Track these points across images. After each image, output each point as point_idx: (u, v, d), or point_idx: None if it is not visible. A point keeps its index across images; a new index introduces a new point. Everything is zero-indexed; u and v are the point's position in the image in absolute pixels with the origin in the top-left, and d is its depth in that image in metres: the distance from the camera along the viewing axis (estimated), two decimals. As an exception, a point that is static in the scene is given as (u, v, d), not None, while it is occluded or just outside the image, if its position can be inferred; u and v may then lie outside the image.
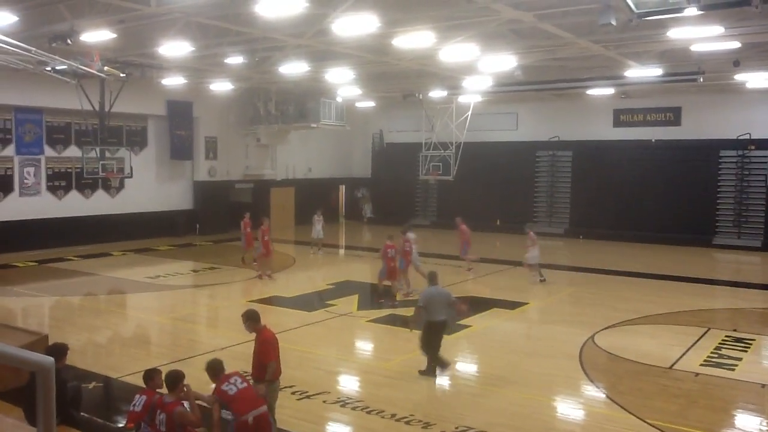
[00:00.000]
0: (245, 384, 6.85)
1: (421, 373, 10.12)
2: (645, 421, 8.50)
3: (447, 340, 12.39)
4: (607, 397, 9.54)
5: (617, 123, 28.04)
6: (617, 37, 15.39)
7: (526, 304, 15.58)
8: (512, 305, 15.38)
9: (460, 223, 19.68)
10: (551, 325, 13.73)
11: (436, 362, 10.11)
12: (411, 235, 17.33)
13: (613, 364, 11.20)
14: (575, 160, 29.09)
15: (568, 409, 9.29)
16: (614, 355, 11.55)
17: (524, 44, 16.48)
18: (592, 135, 28.26)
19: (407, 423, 8.35)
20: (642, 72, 19.26)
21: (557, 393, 9.80)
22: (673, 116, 26.93)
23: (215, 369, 6.94)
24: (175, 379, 6.75)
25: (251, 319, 7.75)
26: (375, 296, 16.29)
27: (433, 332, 10.14)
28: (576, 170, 29.07)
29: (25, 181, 22.83)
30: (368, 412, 8.73)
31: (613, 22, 11.48)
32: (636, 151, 27.27)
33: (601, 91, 24.30)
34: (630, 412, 8.81)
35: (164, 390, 6.91)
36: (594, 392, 9.82)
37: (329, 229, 18.38)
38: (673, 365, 10.93)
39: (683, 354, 11.55)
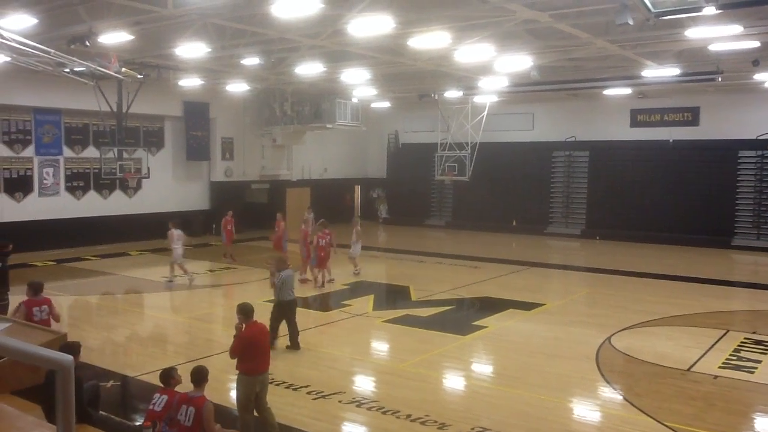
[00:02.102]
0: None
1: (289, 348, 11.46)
2: (662, 424, 8.43)
3: (463, 342, 12.41)
4: (624, 399, 9.47)
5: (634, 123, 27.82)
6: (634, 37, 15.28)
7: (543, 305, 15.51)
8: (528, 306, 15.31)
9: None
10: (567, 326, 13.66)
11: (276, 336, 11.35)
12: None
13: (630, 366, 11.12)
14: (592, 160, 28.92)
15: (584, 410, 9.23)
16: (631, 356, 11.47)
17: (540, 44, 16.42)
18: (608, 135, 28.08)
19: (422, 423, 8.34)
20: (659, 72, 19.12)
21: (573, 394, 9.75)
22: (692, 116, 26.67)
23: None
24: (202, 374, 6.80)
25: (242, 313, 7.87)
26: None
27: (285, 309, 11.46)
28: (592, 170, 28.90)
29: (45, 181, 23.08)
30: (384, 413, 8.73)
31: (630, 22, 11.39)
32: (653, 152, 27.06)
33: (618, 91, 24.14)
34: (647, 414, 8.74)
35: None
36: (611, 394, 9.75)
37: (344, 230, 18.43)
38: (691, 367, 10.83)
39: (701, 356, 11.44)
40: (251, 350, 7.71)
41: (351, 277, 18.59)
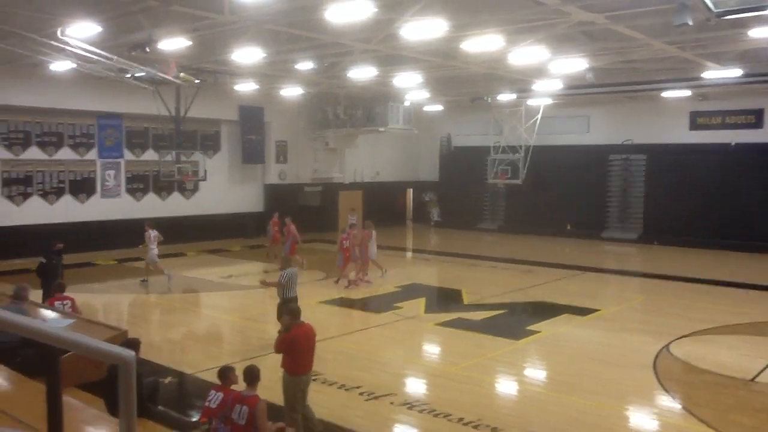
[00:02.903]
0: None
1: None
2: (723, 435, 8.18)
3: (516, 347, 12.29)
4: (683, 408, 9.22)
5: (694, 126, 27.03)
6: (694, 38, 14.87)
7: (598, 311, 15.22)
8: (583, 312, 15.05)
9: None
10: (624, 333, 13.37)
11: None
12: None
13: (689, 375, 10.81)
14: (649, 164, 28.21)
15: (640, 419, 9.02)
16: (691, 365, 11.15)
17: (596, 46, 16.14)
18: (667, 138, 27.34)
19: (474, 427, 8.29)
20: (721, 73, 18.57)
21: (629, 402, 9.54)
22: (755, 118, 25.74)
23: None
24: (254, 374, 6.93)
25: (289, 313, 8.06)
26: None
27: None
28: (650, 174, 28.19)
29: (106, 183, 23.86)
30: (435, 416, 8.71)
31: (690, 22, 11.10)
32: (714, 155, 26.20)
33: (677, 93, 23.51)
34: (707, 425, 8.48)
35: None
36: (669, 403, 9.49)
37: (396, 232, 18.48)
38: (755, 377, 10.46)
39: (766, 366, 11.02)
40: (294, 350, 7.83)
41: (403, 279, 18.60)
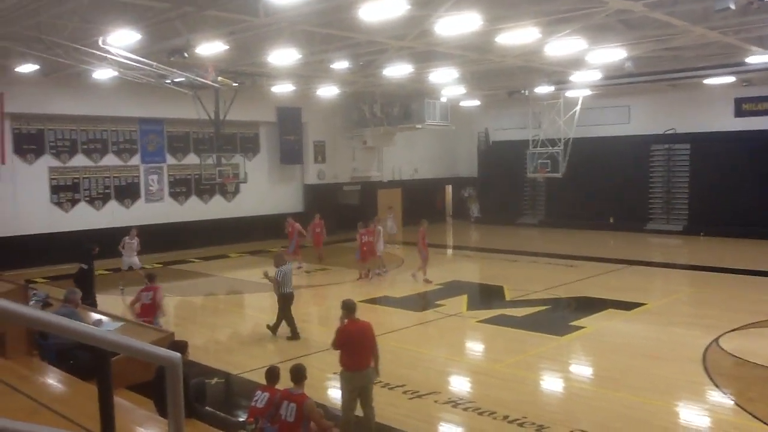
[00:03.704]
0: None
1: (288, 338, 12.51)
2: (778, 430, 7.95)
3: (560, 343, 12.14)
4: (736, 404, 8.98)
5: (739, 113, 26.32)
6: (737, 22, 14.47)
7: (644, 304, 14.93)
8: (628, 306, 14.78)
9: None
10: (671, 326, 13.10)
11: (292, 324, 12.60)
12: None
13: (741, 369, 10.53)
14: (693, 153, 27.56)
15: (690, 415, 8.82)
16: (742, 359, 10.85)
17: (634, 35, 15.83)
18: (711, 126, 26.68)
19: (520, 425, 8.22)
20: (766, 57, 18.01)
21: (679, 398, 9.34)
22: (804, 103, 24.98)
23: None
24: (300, 372, 6.99)
25: (344, 308, 8.03)
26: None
27: (284, 301, 12.58)
28: (694, 164, 27.53)
29: (150, 188, 24.34)
30: (480, 413, 8.66)
31: (732, 6, 10.83)
32: (761, 143, 25.43)
33: (721, 80, 22.88)
34: (761, 421, 8.25)
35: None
36: (720, 398, 9.26)
37: (436, 229, 18.42)
38: (809, 371, 10.14)
39: (821, 359, 10.69)
40: (349, 345, 7.83)
41: (444, 276, 18.55)
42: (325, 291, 18.10)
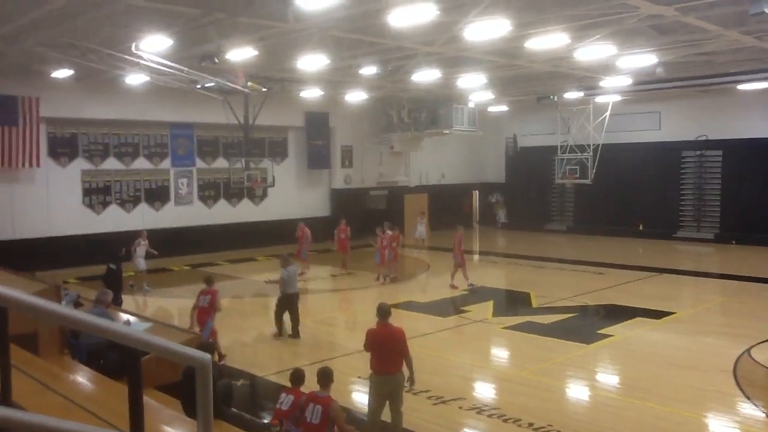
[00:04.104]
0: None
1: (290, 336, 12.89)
2: (811, 444, 7.78)
3: (587, 351, 12.03)
4: (767, 416, 8.81)
5: (773, 119, 25.84)
6: (773, 27, 14.24)
7: (673, 313, 14.73)
8: (657, 315, 14.59)
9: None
10: (701, 336, 12.90)
11: (281, 324, 13.02)
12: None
13: (773, 381, 10.34)
14: (725, 160, 27.11)
15: (720, 427, 8.68)
16: (774, 370, 10.65)
17: (666, 40, 15.64)
18: (744, 133, 26.20)
19: (545, 433, 8.16)
20: (802, 62, 17.69)
21: (708, 409, 9.19)
22: (840, 109, 24.42)
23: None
24: (327, 375, 7.02)
25: (377, 311, 8.04)
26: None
27: (289, 301, 12.86)
28: (726, 171, 27.07)
29: (179, 191, 24.65)
30: (504, 420, 8.62)
31: (767, 10, 10.65)
32: (796, 149, 24.99)
33: (755, 86, 22.50)
34: (793, 433, 8.10)
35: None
36: (751, 410, 9.08)
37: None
38: (844, 383, 9.92)
39: None
40: (377, 349, 7.86)
41: (472, 281, 18.46)
42: (350, 295, 18.16)
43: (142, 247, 17.89)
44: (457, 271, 17.89)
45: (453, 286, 17.67)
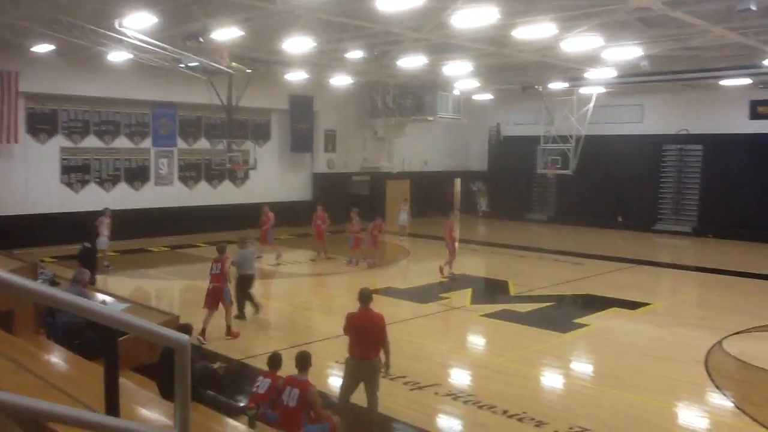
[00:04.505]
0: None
1: (236, 317, 12.77)
2: (778, 435, 7.95)
3: (563, 340, 12.17)
4: (736, 407, 8.99)
5: (754, 115, 26.10)
6: (758, 24, 14.34)
7: (649, 304, 14.93)
8: (633, 305, 14.78)
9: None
10: (675, 327, 13.09)
11: (247, 302, 13.15)
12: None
13: (744, 373, 10.54)
14: (706, 154, 27.40)
15: (691, 416, 8.84)
16: (746, 362, 10.85)
17: (652, 33, 15.72)
18: (725, 128, 26.47)
19: (519, 420, 8.26)
20: (784, 60, 17.87)
21: (680, 399, 9.35)
22: (820, 107, 24.75)
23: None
24: (305, 359, 7.04)
25: (358, 296, 8.07)
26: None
27: (244, 282, 13.00)
28: (706, 165, 27.38)
29: (160, 171, 24.42)
30: (480, 407, 8.70)
31: (753, 7, 10.74)
32: (775, 146, 25.31)
33: (737, 82, 22.73)
34: (762, 425, 8.26)
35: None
36: (721, 401, 9.27)
37: (444, 222, 18.44)
38: (813, 377, 10.12)
39: (825, 365, 10.66)
40: (356, 333, 7.91)
41: (452, 269, 18.55)
42: (328, 280, 18.16)
43: (105, 226, 17.77)
44: (454, 259, 17.64)
45: (452, 275, 17.44)
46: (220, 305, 11.99)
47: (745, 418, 8.54)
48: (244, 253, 13.08)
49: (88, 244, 14.69)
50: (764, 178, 25.31)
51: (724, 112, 26.51)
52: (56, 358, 6.38)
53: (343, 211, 21.28)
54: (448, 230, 17.75)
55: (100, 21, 14.95)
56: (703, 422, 8.64)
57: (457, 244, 18.32)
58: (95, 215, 17.98)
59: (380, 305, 14.84)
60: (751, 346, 11.81)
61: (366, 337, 7.88)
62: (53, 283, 10.28)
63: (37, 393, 4.33)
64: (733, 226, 25.80)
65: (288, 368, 7.40)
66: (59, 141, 21.81)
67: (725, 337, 12.08)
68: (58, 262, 17.72)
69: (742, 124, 26.20)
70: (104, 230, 17.68)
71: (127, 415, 3.48)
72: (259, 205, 21.44)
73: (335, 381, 9.25)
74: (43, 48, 18.19)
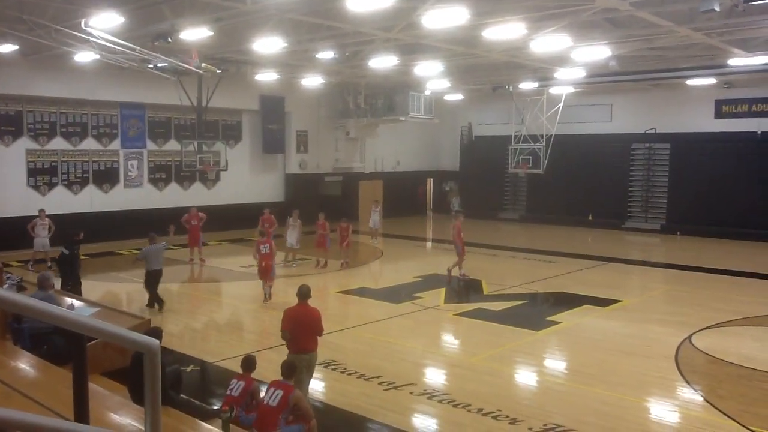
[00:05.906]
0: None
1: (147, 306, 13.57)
2: (747, 428, 8.09)
3: (536, 338, 12.25)
4: (706, 400, 9.14)
5: (719, 114, 26.62)
6: (721, 24, 14.61)
7: (619, 301, 15.11)
8: (604, 302, 14.95)
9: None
10: (645, 323, 13.26)
11: (154, 299, 13.73)
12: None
13: (712, 367, 10.71)
14: (673, 153, 27.85)
15: (662, 411, 8.96)
16: (714, 357, 11.04)
17: (620, 33, 15.93)
18: (691, 127, 26.96)
19: (494, 418, 8.29)
20: (748, 60, 18.23)
21: (651, 394, 9.48)
22: (782, 106, 25.30)
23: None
24: (292, 368, 7.10)
25: (297, 292, 8.50)
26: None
27: (150, 277, 13.66)
28: (674, 164, 27.83)
29: (129, 173, 24.09)
30: (454, 406, 8.72)
31: (716, 9, 10.93)
32: (740, 144, 25.82)
33: (702, 81, 23.15)
34: (730, 418, 8.41)
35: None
36: (691, 395, 9.42)
37: (416, 222, 18.45)
38: (779, 370, 10.33)
39: (790, 358, 10.89)
40: (293, 328, 8.16)
41: (423, 269, 18.62)
42: (301, 282, 17.97)
43: (40, 227, 17.68)
44: (463, 261, 17.38)
45: (459, 276, 17.23)
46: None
47: (714, 411, 8.68)
48: (152, 248, 13.61)
49: (65, 250, 14.34)
50: (729, 176, 25.79)
51: (690, 111, 26.99)
52: (23, 364, 6.25)
53: (315, 212, 21.12)
54: (456, 231, 17.33)
55: (65, 21, 14.69)
56: (674, 416, 8.77)
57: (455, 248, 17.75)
58: (63, 218, 17.66)
59: (354, 306, 14.91)
60: (718, 341, 12.01)
61: (303, 331, 8.15)
62: (20, 288, 10.09)
63: (2, 401, 4.24)
64: (700, 223, 26.26)
65: (261, 370, 7.34)
66: (25, 143, 21.40)
67: (694, 333, 12.29)
68: (24, 267, 17.41)
69: (707, 123, 26.69)
70: (40, 231, 17.74)
71: (97, 422, 3.41)
72: (232, 207, 21.25)
73: (312, 383, 9.19)
74: (6, 48, 17.81)
